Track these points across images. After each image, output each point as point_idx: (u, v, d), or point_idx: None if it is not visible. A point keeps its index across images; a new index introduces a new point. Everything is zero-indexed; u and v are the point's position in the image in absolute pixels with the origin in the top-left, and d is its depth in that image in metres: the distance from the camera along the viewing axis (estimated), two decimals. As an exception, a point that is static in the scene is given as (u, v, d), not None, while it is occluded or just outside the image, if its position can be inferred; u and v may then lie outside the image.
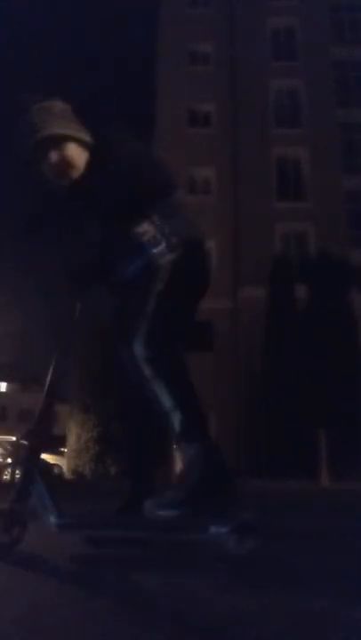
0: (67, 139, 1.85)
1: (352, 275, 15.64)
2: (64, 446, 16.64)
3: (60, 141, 1.84)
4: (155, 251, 1.80)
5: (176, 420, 1.64)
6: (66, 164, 1.85)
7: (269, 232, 18.47)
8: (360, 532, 2.31)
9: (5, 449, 14.62)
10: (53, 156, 1.84)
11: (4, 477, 12.06)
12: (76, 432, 15.38)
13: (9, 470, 11.60)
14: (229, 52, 21.23)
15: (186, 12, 22.34)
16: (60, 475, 15.41)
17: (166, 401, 1.66)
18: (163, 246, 1.80)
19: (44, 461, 15.33)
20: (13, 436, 15.41)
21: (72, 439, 15.54)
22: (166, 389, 1.67)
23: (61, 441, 17.28)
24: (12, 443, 14.43)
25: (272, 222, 18.47)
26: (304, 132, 19.68)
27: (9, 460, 13.24)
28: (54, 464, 15.72)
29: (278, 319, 14.64)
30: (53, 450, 16.68)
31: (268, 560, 1.56)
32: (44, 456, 14.46)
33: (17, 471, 11.21)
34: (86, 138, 1.89)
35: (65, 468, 15.82)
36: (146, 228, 1.81)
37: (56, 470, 15.47)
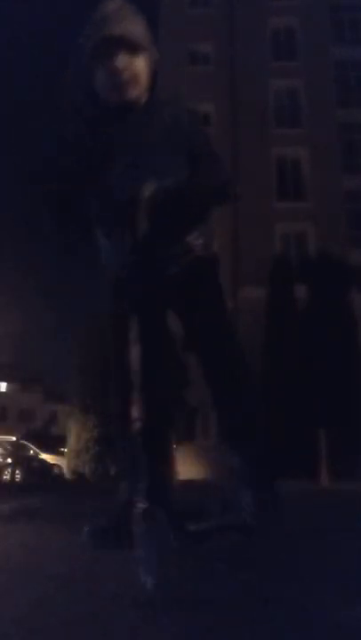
0: (142, 49, 1.48)
1: (352, 275, 15.63)
2: (64, 446, 16.64)
3: (133, 47, 1.46)
4: (197, 245, 1.63)
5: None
6: (132, 75, 1.47)
7: (269, 232, 18.46)
8: (360, 532, 2.31)
9: (5, 449, 14.61)
10: (122, 60, 1.44)
11: (4, 477, 12.05)
12: (76, 432, 15.38)
13: (9, 470, 11.58)
14: (229, 51, 21.22)
15: (186, 11, 22.33)
16: (61, 475, 15.40)
17: (250, 405, 1.60)
18: (201, 242, 1.65)
19: (44, 461, 15.34)
20: (13, 436, 15.41)
21: (72, 439, 15.54)
22: (253, 393, 1.63)
23: (61, 441, 17.28)
24: (12, 443, 14.42)
25: (272, 222, 18.47)
26: (304, 132, 19.68)
27: (9, 460, 13.23)
28: (54, 464, 15.71)
29: (278, 319, 14.64)
30: (53, 450, 16.68)
31: (268, 560, 1.56)
32: (44, 456, 14.32)
33: (17, 471, 11.21)
34: (157, 62, 1.54)
35: (65, 468, 15.82)
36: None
37: (56, 470, 15.46)
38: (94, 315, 13.82)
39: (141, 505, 1.32)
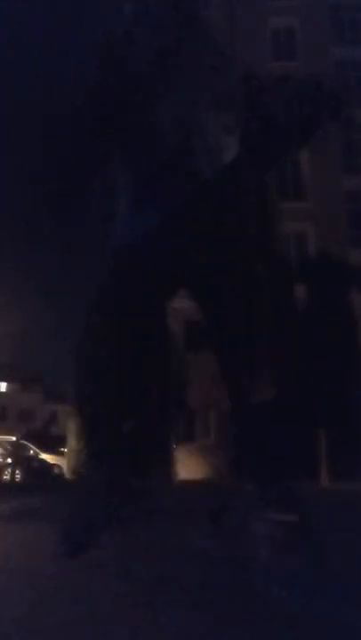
0: None
1: (352, 275, 15.64)
2: (64, 446, 16.62)
3: None
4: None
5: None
6: None
7: (269, 232, 18.48)
8: (360, 532, 2.31)
9: (5, 449, 14.60)
10: None
11: (4, 477, 12.05)
12: (76, 432, 15.36)
13: (9, 470, 11.58)
14: (229, 51, 21.22)
15: (186, 12, 22.35)
16: (61, 475, 15.39)
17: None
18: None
19: (44, 461, 15.34)
20: (13, 435, 15.39)
21: (72, 439, 15.52)
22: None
23: (61, 441, 17.26)
24: (12, 443, 14.41)
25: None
26: (304, 132, 19.68)
27: (9, 460, 13.22)
28: (54, 464, 15.70)
29: (278, 319, 14.63)
30: (53, 450, 16.67)
31: (268, 560, 1.55)
32: (44, 456, 14.28)
33: (17, 471, 11.20)
34: None
35: (65, 468, 15.80)
36: None
37: (56, 470, 15.45)
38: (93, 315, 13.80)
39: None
